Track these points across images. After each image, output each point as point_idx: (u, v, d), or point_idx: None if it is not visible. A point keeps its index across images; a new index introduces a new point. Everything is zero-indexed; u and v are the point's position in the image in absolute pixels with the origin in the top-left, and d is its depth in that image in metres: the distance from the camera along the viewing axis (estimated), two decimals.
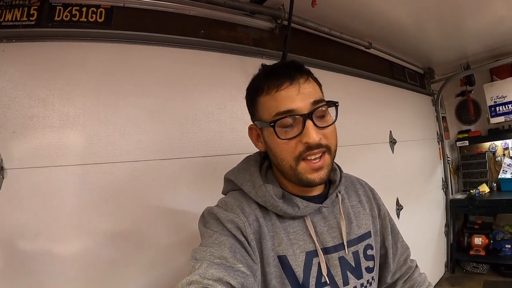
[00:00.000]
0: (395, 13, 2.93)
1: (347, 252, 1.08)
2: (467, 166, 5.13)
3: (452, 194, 4.93)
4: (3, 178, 1.44)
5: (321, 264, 1.03)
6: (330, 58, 3.01)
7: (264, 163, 1.18)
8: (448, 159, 4.97)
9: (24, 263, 1.46)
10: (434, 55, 4.33)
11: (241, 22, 2.35)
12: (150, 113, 1.81)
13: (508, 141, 4.74)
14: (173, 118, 1.89)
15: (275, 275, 0.99)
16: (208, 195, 1.24)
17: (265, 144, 1.08)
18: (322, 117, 1.01)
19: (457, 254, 4.69)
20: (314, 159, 0.99)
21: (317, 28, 2.75)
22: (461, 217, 5.00)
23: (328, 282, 1.03)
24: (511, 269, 4.22)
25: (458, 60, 4.54)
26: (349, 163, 2.89)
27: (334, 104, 1.03)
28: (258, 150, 1.19)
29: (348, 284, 1.06)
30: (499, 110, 4.55)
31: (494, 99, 4.57)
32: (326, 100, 1.04)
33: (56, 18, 1.65)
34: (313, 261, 1.03)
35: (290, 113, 0.96)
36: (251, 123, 1.15)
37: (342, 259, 1.07)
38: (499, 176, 4.70)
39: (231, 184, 1.17)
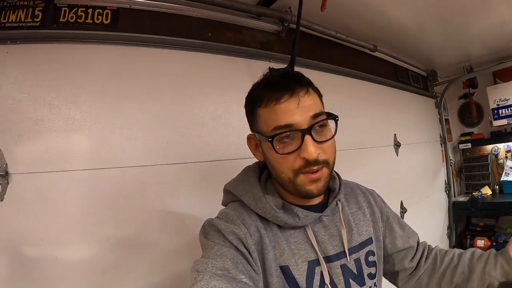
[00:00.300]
0: (399, 16, 2.91)
1: (349, 260, 1.07)
2: (470, 168, 5.09)
3: (454, 196, 4.89)
4: (8, 183, 1.41)
5: (324, 273, 1.01)
6: (336, 61, 2.97)
7: (263, 173, 1.16)
8: (451, 161, 4.94)
9: (30, 269, 1.42)
10: (437, 58, 4.30)
11: (248, 24, 2.31)
12: (156, 117, 1.77)
13: (510, 143, 4.70)
14: (180, 122, 1.85)
15: (277, 285, 0.97)
16: (216, 200, 1.20)
17: (264, 155, 1.07)
18: (322, 130, 0.99)
19: None
20: (313, 172, 0.97)
21: (323, 31, 2.72)
22: (463, 220, 4.95)
23: None
24: None
25: (461, 62, 4.50)
26: (355, 166, 2.94)
27: (334, 118, 1.02)
28: (257, 161, 1.18)
29: None
30: (501, 113, 4.50)
31: (497, 101, 4.52)
32: (326, 112, 1.02)
33: (61, 20, 1.60)
34: (316, 270, 1.01)
35: (289, 127, 0.94)
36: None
37: (344, 267, 1.05)
38: (502, 179, 4.66)
39: (231, 196, 1.14)
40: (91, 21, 1.65)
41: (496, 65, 4.25)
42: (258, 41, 2.36)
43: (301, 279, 0.98)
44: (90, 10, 1.66)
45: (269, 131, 0.96)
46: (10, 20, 1.50)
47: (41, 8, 1.56)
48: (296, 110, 0.94)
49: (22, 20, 1.52)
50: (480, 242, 4.42)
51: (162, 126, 1.78)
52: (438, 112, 4.84)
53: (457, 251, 1.26)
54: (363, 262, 1.10)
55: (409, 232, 1.32)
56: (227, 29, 2.18)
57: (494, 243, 4.36)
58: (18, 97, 1.45)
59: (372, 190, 1.35)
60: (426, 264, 1.29)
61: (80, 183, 1.54)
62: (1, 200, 1.39)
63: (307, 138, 0.94)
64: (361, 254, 1.11)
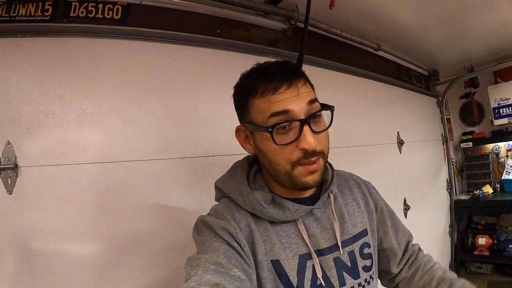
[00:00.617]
0: (402, 16, 2.90)
1: (342, 253, 1.04)
2: (471, 167, 5.08)
3: (456, 195, 4.89)
4: (17, 176, 1.38)
5: (315, 267, 0.99)
6: (342, 60, 2.96)
7: (252, 168, 1.13)
8: (452, 160, 4.93)
9: (39, 264, 1.39)
10: (439, 57, 4.28)
11: (255, 22, 2.29)
12: (168, 112, 1.75)
13: (511, 142, 4.70)
14: (191, 118, 1.82)
15: (269, 279, 0.95)
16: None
17: (256, 147, 1.02)
18: (318, 121, 0.97)
19: (461, 254, 4.66)
20: (311, 163, 0.94)
21: (329, 30, 2.70)
22: (465, 218, 4.94)
23: (324, 285, 0.99)
24: None
25: (462, 62, 4.49)
26: (360, 163, 2.93)
27: (330, 108, 0.98)
28: (246, 155, 1.15)
29: (344, 285, 1.02)
30: (502, 112, 4.51)
31: (498, 101, 4.53)
32: (321, 103, 0.99)
33: (71, 14, 1.57)
34: (307, 264, 0.99)
35: (285, 113, 0.91)
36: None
37: (337, 260, 1.03)
38: (503, 177, 4.66)
39: (221, 192, 1.12)
40: (102, 16, 1.62)
41: (497, 64, 4.25)
42: (265, 38, 2.34)
43: (292, 273, 0.97)
44: (100, 5, 1.63)
45: (265, 120, 0.93)
46: (20, 14, 1.46)
47: (51, 2, 1.53)
48: (294, 99, 0.91)
49: (32, 14, 1.48)
50: (482, 240, 4.40)
51: (173, 121, 1.76)
52: (440, 111, 4.83)
53: (437, 274, 1.19)
54: (357, 254, 1.07)
55: (401, 233, 1.27)
56: (236, 26, 2.16)
57: (495, 241, 4.37)
58: (28, 90, 1.42)
59: (368, 181, 1.30)
60: (408, 272, 1.24)
61: (90, 176, 1.52)
62: (10, 193, 1.36)
63: (306, 128, 0.91)
64: (355, 246, 1.08)
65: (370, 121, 3.24)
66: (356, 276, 1.04)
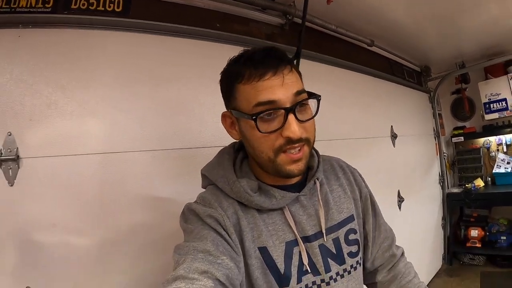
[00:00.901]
0: (395, 13, 2.93)
1: (326, 240, 1.03)
2: (463, 161, 5.14)
3: (448, 188, 4.93)
4: (18, 167, 1.35)
5: (302, 253, 0.99)
6: (339, 55, 2.98)
7: (239, 155, 1.11)
8: (444, 154, 4.98)
9: (41, 256, 1.36)
10: (431, 54, 4.32)
11: (253, 17, 2.29)
12: (169, 103, 1.73)
13: (501, 136, 4.76)
14: (191, 109, 1.80)
15: (257, 266, 0.95)
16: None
17: (241, 134, 1.01)
18: (304, 109, 0.94)
19: (454, 246, 4.71)
20: (294, 151, 0.93)
21: (324, 25, 2.73)
22: (457, 211, 5.00)
23: (310, 271, 0.99)
24: (507, 260, 4.21)
25: (453, 58, 4.53)
26: (355, 156, 2.94)
27: (317, 97, 0.96)
28: (232, 142, 1.13)
29: (330, 271, 1.01)
30: (493, 107, 4.57)
31: (489, 96, 4.58)
32: (308, 91, 0.96)
33: (72, 6, 1.54)
34: (294, 251, 0.99)
35: (271, 104, 0.88)
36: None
37: (322, 247, 1.02)
38: (494, 171, 4.71)
39: (208, 179, 1.09)
40: (103, 9, 1.60)
41: (487, 61, 4.32)
42: (263, 33, 2.34)
43: (279, 259, 0.96)
44: None
45: (250, 108, 0.90)
46: (20, 6, 1.43)
47: None
48: (279, 87, 0.89)
49: (33, 5, 1.45)
50: (474, 232, 4.46)
51: (174, 113, 1.74)
52: (432, 107, 4.87)
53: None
54: (342, 241, 1.06)
55: (382, 227, 1.24)
56: (235, 20, 2.15)
57: (487, 233, 4.42)
58: (30, 80, 1.39)
59: (354, 168, 1.27)
60: (386, 277, 1.21)
61: (93, 167, 1.49)
62: (11, 185, 1.33)
63: (291, 116, 0.89)
64: (341, 233, 1.07)
65: (364, 114, 3.26)
66: (341, 262, 1.04)
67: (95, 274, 1.47)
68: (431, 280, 4.19)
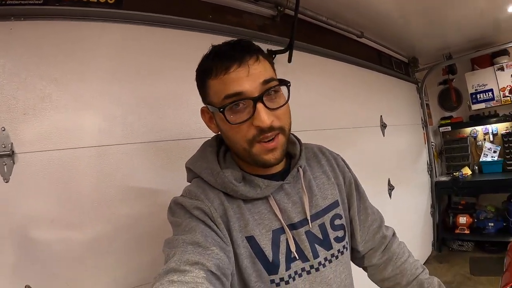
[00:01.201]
0: (384, 5, 2.94)
1: (311, 226, 1.02)
2: (450, 150, 5.20)
3: (436, 176, 5.00)
4: (13, 163, 1.31)
5: (289, 241, 0.99)
6: (329, 46, 2.98)
7: (222, 146, 1.10)
8: (432, 143, 5.03)
9: (39, 252, 1.33)
10: (418, 45, 4.34)
11: (246, 8, 2.26)
12: (169, 97, 1.71)
13: (488, 126, 4.82)
14: (187, 102, 1.76)
15: (245, 255, 0.95)
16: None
17: (218, 127, 1.01)
18: (275, 97, 0.93)
19: (443, 233, 4.78)
20: (268, 141, 0.92)
21: (315, 17, 2.72)
22: (445, 198, 5.07)
23: (298, 257, 0.99)
24: (495, 246, 4.29)
25: (440, 50, 4.57)
26: (347, 145, 2.95)
27: (286, 84, 0.94)
28: (215, 134, 1.12)
29: (318, 256, 1.01)
30: (479, 97, 4.63)
31: (475, 87, 4.64)
32: (278, 79, 0.95)
33: None
34: (281, 239, 0.99)
35: (238, 95, 0.88)
36: None
37: (308, 233, 1.02)
38: (480, 159, 4.80)
39: (192, 173, 1.08)
40: (96, 0, 1.55)
41: (474, 52, 4.36)
42: (255, 24, 2.32)
43: (267, 248, 0.96)
44: None
45: (220, 102, 0.90)
46: None
47: None
48: (245, 78, 0.88)
49: None
50: (462, 219, 4.52)
51: (170, 105, 1.72)
52: (420, 97, 4.91)
53: (409, 271, 1.17)
54: (328, 226, 1.06)
55: (370, 210, 1.23)
56: (228, 12, 2.12)
57: (475, 220, 4.48)
58: (23, 74, 1.35)
59: (337, 154, 1.26)
60: (380, 260, 1.21)
61: (88, 160, 1.46)
62: (7, 181, 1.30)
63: (259, 105, 0.88)
64: (326, 218, 1.06)
65: (354, 104, 3.28)
66: (328, 247, 1.04)
67: (95, 268, 1.44)
68: None
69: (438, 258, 4.55)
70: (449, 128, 5.03)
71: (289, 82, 0.94)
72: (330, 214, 1.08)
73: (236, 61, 0.89)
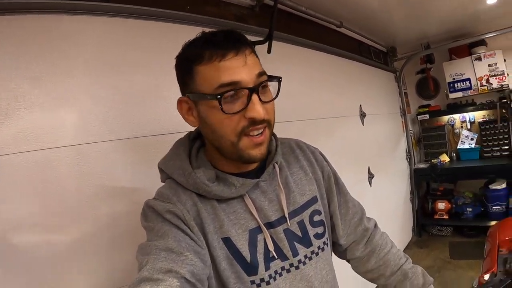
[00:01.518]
0: None
1: (290, 224, 1.00)
2: (428, 138, 5.27)
3: (415, 164, 5.07)
4: None
5: (266, 240, 0.97)
6: (309, 36, 2.94)
7: (194, 144, 1.06)
8: (410, 131, 5.09)
9: (22, 257, 1.25)
10: (397, 35, 4.35)
11: None
12: (147, 91, 1.65)
13: (465, 114, 4.90)
14: (170, 96, 1.69)
15: (222, 257, 0.92)
16: None
17: (200, 119, 0.95)
18: (265, 91, 0.91)
19: (423, 219, 4.87)
20: (257, 134, 0.90)
21: (294, 7, 2.66)
22: (424, 185, 5.17)
23: (277, 257, 0.97)
24: (473, 230, 4.39)
25: (419, 40, 4.58)
26: (326, 135, 2.92)
27: (278, 79, 0.93)
28: (188, 132, 1.08)
29: (298, 254, 1.00)
30: (457, 86, 4.70)
31: (453, 76, 4.70)
32: (269, 74, 0.92)
33: None
34: (258, 238, 0.96)
35: (234, 85, 0.84)
36: None
37: (287, 231, 1.00)
38: (458, 147, 4.90)
39: (165, 173, 1.04)
40: None
41: (452, 42, 4.41)
42: (234, 14, 2.26)
43: (244, 248, 0.93)
44: None
45: (212, 90, 0.85)
46: None
47: None
48: (242, 68, 0.85)
49: None
50: (441, 205, 4.63)
51: (153, 100, 1.67)
52: (398, 86, 4.95)
53: (392, 262, 1.17)
54: (307, 223, 1.04)
55: (350, 203, 1.21)
56: (205, 2, 2.06)
57: (454, 205, 4.59)
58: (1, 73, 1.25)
59: (315, 148, 1.23)
60: (363, 252, 1.20)
61: (68, 160, 1.38)
62: None
63: (254, 97, 0.85)
64: (305, 215, 1.04)
65: (334, 94, 3.27)
66: (308, 244, 1.02)
67: (79, 270, 1.39)
68: None
69: (418, 243, 4.63)
70: (427, 116, 5.10)
71: (281, 78, 0.92)
72: (309, 211, 1.06)
73: (233, 49, 0.86)
